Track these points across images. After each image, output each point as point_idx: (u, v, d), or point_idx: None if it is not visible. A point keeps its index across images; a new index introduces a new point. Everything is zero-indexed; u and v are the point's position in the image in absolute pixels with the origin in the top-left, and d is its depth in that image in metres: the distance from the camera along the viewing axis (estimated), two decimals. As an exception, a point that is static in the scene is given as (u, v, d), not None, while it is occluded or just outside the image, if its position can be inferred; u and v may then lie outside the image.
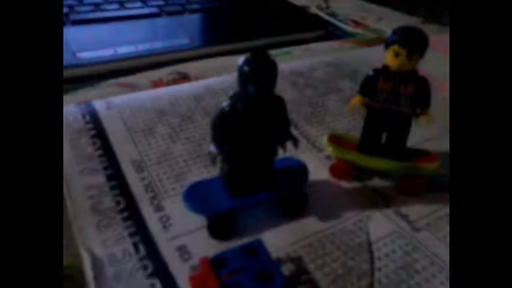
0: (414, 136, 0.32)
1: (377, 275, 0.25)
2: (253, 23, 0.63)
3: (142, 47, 0.51)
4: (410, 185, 0.32)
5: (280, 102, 0.27)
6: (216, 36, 0.58)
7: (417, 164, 0.32)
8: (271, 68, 0.24)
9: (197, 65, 0.49)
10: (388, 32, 0.29)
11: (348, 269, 0.26)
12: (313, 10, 0.71)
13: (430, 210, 0.30)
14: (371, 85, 0.30)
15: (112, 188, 0.31)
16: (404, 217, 0.30)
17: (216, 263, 0.24)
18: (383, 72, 0.30)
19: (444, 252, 0.27)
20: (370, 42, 0.59)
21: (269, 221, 0.29)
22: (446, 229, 0.29)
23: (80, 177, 0.31)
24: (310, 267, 0.26)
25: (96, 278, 0.24)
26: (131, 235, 0.27)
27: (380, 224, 0.29)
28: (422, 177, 0.32)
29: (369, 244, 0.27)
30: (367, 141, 0.32)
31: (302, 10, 0.71)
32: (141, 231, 0.28)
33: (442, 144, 0.36)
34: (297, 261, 0.26)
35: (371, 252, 0.27)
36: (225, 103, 0.26)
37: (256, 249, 0.25)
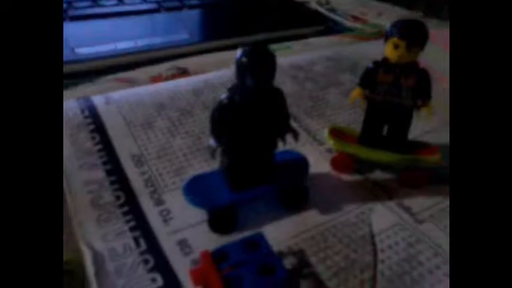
0: (415, 128, 0.32)
1: (380, 267, 0.25)
2: (252, 18, 0.63)
3: (141, 43, 0.51)
4: (411, 177, 0.31)
5: (279, 94, 0.26)
6: (215, 31, 0.58)
7: (419, 157, 0.31)
8: (269, 60, 0.24)
9: (196, 60, 0.49)
10: (388, 26, 0.29)
11: (350, 261, 0.26)
12: (313, 5, 0.71)
13: (433, 202, 0.30)
14: (371, 77, 0.30)
15: (112, 182, 0.30)
16: (407, 209, 0.29)
17: (217, 256, 0.23)
18: (383, 64, 0.30)
19: (447, 243, 0.27)
20: (370, 37, 0.58)
21: (270, 215, 0.28)
22: (448, 220, 0.29)
23: (79, 172, 0.31)
24: (312, 260, 0.26)
25: (97, 273, 0.24)
26: (131, 229, 0.27)
27: (382, 216, 0.29)
28: (423, 169, 0.31)
29: (372, 236, 0.27)
30: (368, 133, 0.32)
31: (302, 5, 0.70)
32: (141, 226, 0.27)
33: (443, 136, 0.36)
34: (299, 254, 0.26)
35: (373, 244, 0.27)
36: (223, 95, 0.25)
37: (257, 243, 0.24)
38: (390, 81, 0.30)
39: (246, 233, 0.27)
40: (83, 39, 0.50)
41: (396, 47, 0.28)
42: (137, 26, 0.56)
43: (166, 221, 0.28)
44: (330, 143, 0.33)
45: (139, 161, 0.33)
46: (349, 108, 0.40)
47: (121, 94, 0.40)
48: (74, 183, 0.30)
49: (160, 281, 0.24)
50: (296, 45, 0.55)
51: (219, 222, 0.27)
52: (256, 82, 0.24)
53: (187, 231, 0.27)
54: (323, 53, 0.52)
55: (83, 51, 0.48)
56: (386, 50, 0.29)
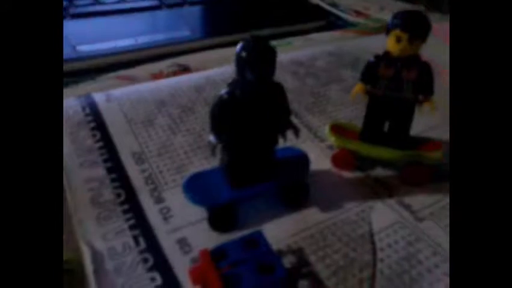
0: (417, 125, 0.32)
1: (379, 266, 0.25)
2: (254, 14, 0.62)
3: (142, 40, 0.51)
4: (413, 174, 0.31)
5: (279, 89, 0.26)
6: (216, 28, 0.57)
7: (421, 153, 0.31)
8: (269, 54, 0.24)
9: (198, 56, 0.49)
10: (389, 19, 0.29)
11: (349, 260, 0.25)
12: (315, 0, 0.70)
13: (433, 200, 0.30)
14: (373, 72, 0.30)
15: (112, 180, 0.31)
16: (407, 207, 0.29)
17: (216, 255, 0.23)
18: (384, 58, 0.29)
19: (447, 242, 0.27)
20: (372, 32, 0.58)
21: (270, 212, 0.28)
22: (449, 218, 0.28)
23: (80, 169, 0.31)
24: (312, 258, 0.26)
25: (96, 271, 0.24)
26: (131, 228, 0.27)
27: (382, 214, 0.29)
28: (425, 166, 0.31)
29: (372, 235, 0.27)
30: (369, 130, 0.32)
31: (304, 0, 0.70)
32: (141, 224, 0.27)
33: (446, 132, 0.35)
34: (298, 252, 0.26)
35: (373, 243, 0.27)
36: (223, 90, 0.25)
37: (257, 241, 0.24)
38: (392, 75, 0.29)
39: (246, 231, 0.26)
40: (84, 37, 0.50)
41: (398, 39, 0.28)
42: (139, 23, 0.56)
43: (166, 219, 0.28)
44: (331, 139, 0.32)
45: (139, 158, 0.33)
46: (350, 105, 0.40)
47: (122, 91, 0.40)
48: (74, 181, 0.30)
49: (159, 280, 0.24)
50: (297, 41, 0.54)
51: (218, 220, 0.27)
52: (256, 76, 0.24)
53: (186, 229, 0.27)
54: (324, 48, 0.51)
55: (84, 48, 0.48)
56: (387, 43, 0.29)
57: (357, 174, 0.32)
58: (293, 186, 0.29)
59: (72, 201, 0.29)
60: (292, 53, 0.50)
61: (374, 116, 0.31)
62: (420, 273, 0.25)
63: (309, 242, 0.26)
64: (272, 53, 0.24)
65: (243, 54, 0.24)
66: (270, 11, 0.63)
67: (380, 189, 0.31)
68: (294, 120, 0.35)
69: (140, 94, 0.40)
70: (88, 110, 0.37)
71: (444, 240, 0.27)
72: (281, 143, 0.28)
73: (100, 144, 0.34)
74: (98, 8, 0.59)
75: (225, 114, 0.25)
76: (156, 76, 0.45)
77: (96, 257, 0.25)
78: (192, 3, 0.64)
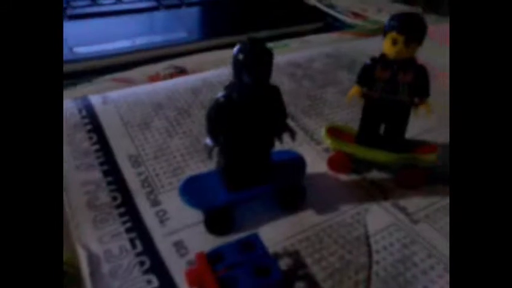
0: (413, 127, 0.32)
1: (374, 268, 0.25)
2: (251, 16, 0.62)
3: (139, 41, 0.51)
4: (408, 177, 0.31)
5: (276, 92, 0.26)
6: (214, 30, 0.57)
7: (416, 155, 0.31)
8: (266, 57, 0.24)
9: (194, 58, 0.49)
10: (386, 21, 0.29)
11: (345, 262, 0.26)
12: (312, 2, 0.70)
13: (428, 202, 0.30)
14: (369, 74, 0.30)
15: (109, 183, 0.31)
16: (403, 209, 0.29)
17: (212, 257, 0.24)
18: (380, 60, 0.29)
19: (442, 244, 0.27)
20: (369, 34, 0.58)
21: (266, 215, 0.28)
22: (444, 220, 0.29)
23: (76, 172, 0.31)
24: (308, 261, 0.26)
25: (92, 274, 0.24)
26: (127, 231, 0.27)
27: (378, 216, 0.29)
28: (420, 169, 0.31)
29: (367, 237, 0.27)
30: (365, 132, 0.32)
31: (301, 2, 0.70)
32: (138, 227, 0.27)
33: (441, 135, 0.36)
34: (295, 255, 0.26)
35: (368, 245, 0.27)
36: (220, 93, 0.25)
37: (253, 244, 0.24)
38: (388, 77, 0.30)
39: (242, 234, 0.27)
40: (81, 39, 0.50)
41: (394, 42, 0.28)
42: (136, 24, 0.56)
43: (162, 222, 0.28)
44: (327, 142, 0.33)
45: (136, 161, 0.33)
46: (347, 108, 0.40)
47: (119, 94, 0.40)
48: (70, 184, 0.30)
49: (155, 283, 0.24)
50: (294, 42, 0.55)
51: (215, 223, 0.27)
52: (253, 79, 0.24)
53: (183, 232, 0.27)
54: (322, 50, 0.51)
55: (81, 50, 0.48)
56: (384, 45, 0.29)
57: (353, 177, 0.32)
58: (289, 189, 0.29)
59: (68, 204, 0.29)
60: (289, 55, 0.50)
61: (370, 119, 0.32)
62: (415, 276, 0.25)
63: (305, 245, 0.27)
64: (269, 56, 0.24)
65: (240, 57, 0.24)
66: (267, 12, 0.64)
67: (375, 192, 0.31)
68: (291, 123, 0.35)
69: (137, 96, 0.40)
70: (84, 113, 0.37)
71: (439, 243, 0.27)
72: (277, 146, 0.28)
73: (97, 147, 0.34)
74: (95, 9, 0.59)
75: (222, 117, 0.25)
76: (153, 78, 0.45)
77: (92, 259, 0.25)
78: (189, 5, 0.64)
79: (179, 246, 0.26)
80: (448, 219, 0.29)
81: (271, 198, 0.29)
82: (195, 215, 0.28)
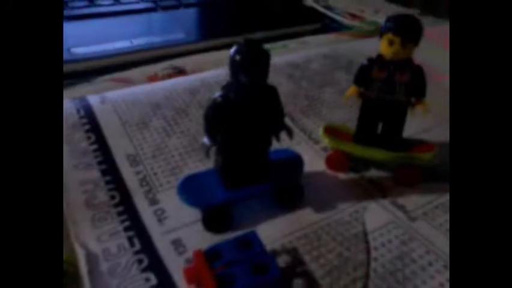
0: (410, 127, 0.32)
1: (372, 265, 0.25)
2: (249, 17, 0.63)
3: (137, 42, 0.51)
4: (406, 175, 0.32)
5: (273, 91, 0.26)
6: (212, 30, 0.58)
7: (413, 154, 0.31)
8: (262, 57, 0.24)
9: (193, 59, 0.49)
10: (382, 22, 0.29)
11: (343, 259, 0.26)
12: (310, 3, 0.71)
13: (426, 200, 0.30)
14: (366, 74, 0.30)
15: (107, 182, 0.31)
16: (401, 207, 0.30)
17: (210, 255, 0.24)
18: (377, 61, 0.30)
19: (440, 241, 0.27)
20: (367, 35, 0.58)
21: (264, 213, 0.28)
22: (442, 218, 0.29)
23: (74, 172, 0.31)
24: (306, 258, 0.26)
25: (91, 272, 0.24)
26: (126, 229, 0.27)
27: (376, 214, 0.29)
28: (418, 167, 0.31)
29: (365, 234, 0.27)
30: (363, 131, 0.32)
31: (298, 3, 0.70)
32: (136, 225, 0.27)
33: (438, 134, 0.36)
34: (293, 252, 0.26)
35: (367, 242, 0.27)
36: (217, 93, 0.25)
37: (251, 241, 0.24)
38: (385, 77, 0.30)
39: (240, 232, 0.27)
40: (79, 39, 0.50)
41: (391, 43, 0.28)
42: (134, 25, 0.56)
43: (160, 220, 0.28)
44: (325, 141, 0.33)
45: (134, 160, 0.33)
46: (345, 107, 0.40)
47: (117, 94, 0.40)
48: (68, 183, 0.30)
49: (153, 281, 0.24)
50: (292, 43, 0.55)
51: (213, 221, 0.27)
52: (250, 79, 0.24)
53: (181, 230, 0.27)
54: (319, 51, 0.52)
55: (79, 51, 0.48)
56: (380, 46, 0.29)
57: (351, 175, 0.33)
58: (287, 187, 0.29)
59: (66, 203, 0.29)
60: (287, 56, 0.50)
61: (367, 118, 0.32)
62: (414, 272, 0.25)
63: (303, 242, 0.27)
64: (266, 56, 0.24)
65: (237, 57, 0.24)
66: (265, 13, 0.64)
67: (373, 190, 0.31)
68: (289, 123, 0.35)
69: (135, 96, 0.40)
70: (82, 113, 0.37)
71: (437, 240, 0.27)
72: (276, 145, 0.28)
73: (95, 146, 0.34)
74: (93, 10, 0.59)
75: (219, 117, 0.26)
76: (151, 78, 0.45)
77: (90, 258, 0.25)
78: (187, 6, 0.64)
79: (177, 244, 0.26)
80: (446, 217, 0.29)
81: (269, 196, 0.29)
82: (193, 214, 0.28)
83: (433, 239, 0.27)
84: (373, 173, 0.33)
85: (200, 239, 0.27)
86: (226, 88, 0.26)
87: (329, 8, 0.69)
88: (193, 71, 0.46)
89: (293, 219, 0.28)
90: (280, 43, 0.54)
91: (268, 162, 0.28)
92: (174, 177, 0.31)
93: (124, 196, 0.30)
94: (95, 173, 0.31)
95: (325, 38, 0.57)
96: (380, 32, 0.29)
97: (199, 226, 0.27)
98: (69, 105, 0.38)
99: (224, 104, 0.25)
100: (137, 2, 0.63)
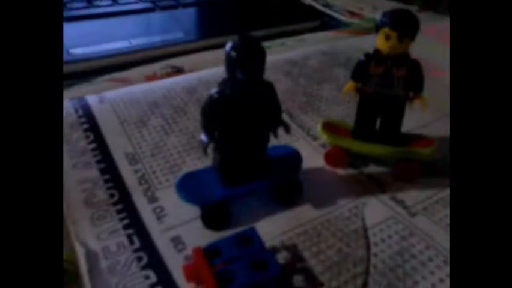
0: (408, 122, 0.32)
1: (372, 260, 0.25)
2: (248, 15, 0.63)
3: (136, 42, 0.51)
4: (405, 170, 0.31)
5: (269, 87, 0.26)
6: (210, 29, 0.58)
7: (412, 149, 0.31)
8: (258, 53, 0.24)
9: (192, 58, 0.49)
10: (379, 17, 0.29)
11: (343, 255, 0.26)
12: (308, 1, 0.71)
13: (426, 195, 0.30)
14: (363, 70, 0.30)
15: (106, 181, 0.31)
16: (400, 202, 0.29)
17: (209, 252, 0.24)
18: (374, 56, 0.30)
19: (440, 236, 0.27)
20: (365, 32, 0.58)
21: (263, 210, 0.28)
22: (442, 213, 0.29)
23: (73, 171, 0.31)
24: (306, 254, 0.26)
25: (90, 271, 0.24)
26: (125, 227, 0.27)
27: (376, 210, 0.29)
28: (416, 161, 0.31)
29: (365, 230, 0.27)
30: (361, 127, 0.32)
31: (297, 1, 0.70)
32: (135, 223, 0.27)
33: (437, 129, 0.36)
34: (292, 249, 0.26)
35: (366, 238, 0.27)
36: (213, 90, 0.25)
37: (250, 238, 0.24)
38: (382, 72, 0.30)
39: (239, 229, 0.26)
40: (77, 40, 0.50)
41: (387, 38, 0.28)
42: (133, 25, 0.56)
43: (159, 218, 0.28)
44: (324, 137, 0.33)
45: (133, 159, 0.33)
46: (343, 103, 0.40)
47: (115, 93, 0.40)
48: (67, 182, 0.30)
49: (153, 278, 0.24)
50: (291, 41, 0.55)
51: (212, 218, 0.27)
52: (246, 75, 0.24)
53: (180, 227, 0.27)
54: (317, 48, 0.52)
55: (78, 51, 0.48)
56: (377, 41, 0.29)
57: (350, 171, 0.32)
58: (286, 183, 0.29)
59: (66, 202, 0.29)
60: (285, 53, 0.50)
61: (365, 113, 0.32)
62: (414, 267, 0.25)
63: (302, 239, 0.27)
64: (261, 52, 0.24)
65: (232, 53, 0.24)
66: (263, 12, 0.64)
67: (373, 186, 0.31)
68: (288, 119, 0.35)
69: (133, 95, 0.40)
70: (80, 112, 0.37)
71: (437, 235, 0.27)
72: (274, 141, 0.28)
73: (93, 145, 0.34)
74: (91, 11, 0.59)
75: (216, 113, 0.25)
76: (150, 78, 0.45)
77: (90, 256, 0.25)
78: (185, 5, 0.64)
79: (176, 241, 0.26)
80: (446, 212, 0.29)
81: (267, 193, 0.29)
82: (192, 211, 0.28)
83: (433, 234, 0.27)
84: (372, 168, 0.33)
85: (199, 236, 0.27)
86: (222, 84, 0.26)
87: (327, 5, 0.69)
88: (192, 70, 0.46)
89: (292, 216, 0.28)
90: (278, 41, 0.54)
91: (266, 159, 0.28)
92: (173, 175, 0.31)
93: (123, 194, 0.30)
94: (94, 172, 0.31)
95: (323, 36, 0.57)
96: (375, 27, 0.29)
97: (198, 223, 0.27)
98: (67, 104, 0.38)
99: (220, 100, 0.25)
100: (136, 2, 0.63)
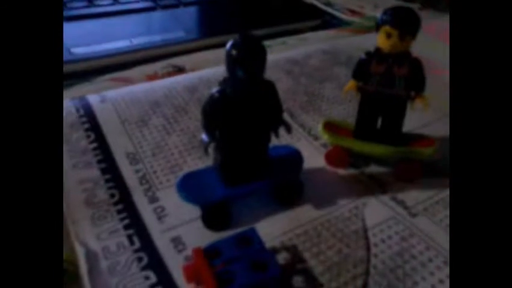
0: (410, 122, 0.32)
1: (372, 261, 0.25)
2: (249, 14, 0.62)
3: (137, 41, 0.51)
4: (406, 170, 0.31)
5: (270, 86, 0.26)
6: (211, 28, 0.58)
7: (413, 149, 0.31)
8: (258, 52, 0.24)
9: (193, 57, 0.49)
10: (379, 15, 0.29)
11: (343, 256, 0.26)
12: (310, 0, 0.70)
13: (426, 196, 0.30)
14: (364, 69, 0.30)
15: (107, 180, 0.31)
16: (401, 203, 0.29)
17: (209, 252, 0.24)
18: (375, 55, 0.29)
19: (441, 237, 0.27)
20: (366, 30, 0.58)
21: (264, 210, 0.28)
22: (442, 213, 0.29)
23: (74, 171, 0.31)
24: (306, 255, 0.26)
25: (90, 271, 0.24)
26: (125, 227, 0.27)
27: (376, 210, 0.29)
28: (417, 162, 0.31)
29: (365, 231, 0.27)
30: (362, 126, 0.32)
31: (298, 0, 0.70)
32: (135, 224, 0.27)
33: (438, 129, 0.36)
34: (292, 249, 0.26)
35: (367, 238, 0.27)
36: (214, 89, 0.25)
37: (250, 238, 0.24)
38: (383, 71, 0.30)
39: (239, 229, 0.26)
40: (78, 39, 0.50)
41: (388, 36, 0.28)
42: (134, 24, 0.56)
43: (160, 218, 0.28)
44: (325, 137, 0.33)
45: (134, 158, 0.33)
46: (344, 103, 0.40)
47: (116, 92, 0.40)
48: (68, 182, 0.30)
49: (153, 279, 0.24)
50: (292, 40, 0.55)
51: (212, 219, 0.27)
52: (246, 74, 0.24)
53: (181, 228, 0.27)
54: (318, 47, 0.51)
55: (79, 51, 0.48)
56: (378, 39, 0.29)
57: (351, 171, 0.32)
58: (287, 184, 0.29)
59: (66, 202, 0.29)
60: (286, 52, 0.50)
61: (366, 113, 0.32)
62: (414, 268, 0.25)
63: (302, 239, 0.27)
64: (262, 51, 0.24)
65: (233, 52, 0.24)
66: (264, 10, 0.64)
67: (373, 186, 0.31)
68: (288, 119, 0.35)
69: (135, 95, 0.40)
70: (82, 112, 0.37)
71: (437, 235, 0.27)
72: (276, 141, 0.28)
73: (94, 145, 0.34)
74: (92, 10, 0.59)
75: (217, 113, 0.25)
76: (151, 77, 0.45)
77: (90, 256, 0.25)
78: (186, 4, 0.64)
79: (177, 242, 0.26)
80: (446, 212, 0.29)
81: (268, 193, 0.29)
82: (192, 211, 0.28)
83: (433, 234, 0.27)
84: (373, 168, 0.33)
85: (199, 236, 0.27)
86: (223, 84, 0.26)
87: (328, 4, 0.69)
88: (193, 70, 0.46)
89: (293, 216, 0.28)
90: (279, 40, 0.54)
91: (267, 159, 0.28)
92: (174, 175, 0.31)
93: (123, 194, 0.30)
94: (94, 172, 0.31)
95: (324, 34, 0.57)
96: (376, 25, 0.29)
97: (199, 224, 0.27)
98: (68, 104, 0.38)
99: (221, 99, 0.25)
100: (137, 1, 0.63)
